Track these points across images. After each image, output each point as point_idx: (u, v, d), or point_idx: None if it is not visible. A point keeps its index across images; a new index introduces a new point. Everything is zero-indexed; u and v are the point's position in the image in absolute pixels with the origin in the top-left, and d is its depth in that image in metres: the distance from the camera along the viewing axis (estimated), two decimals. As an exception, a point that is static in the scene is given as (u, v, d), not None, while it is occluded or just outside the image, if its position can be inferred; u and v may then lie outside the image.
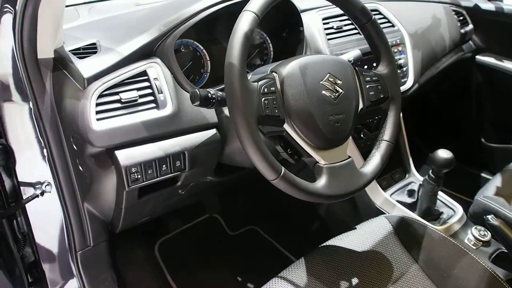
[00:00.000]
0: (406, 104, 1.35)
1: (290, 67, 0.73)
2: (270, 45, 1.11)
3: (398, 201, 1.18)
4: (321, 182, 0.73)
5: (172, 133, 0.84)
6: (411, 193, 1.20)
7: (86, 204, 0.93)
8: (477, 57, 1.71)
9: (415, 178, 1.30)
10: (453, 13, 1.60)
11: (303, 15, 1.08)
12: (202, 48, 0.99)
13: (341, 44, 1.08)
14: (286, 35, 1.09)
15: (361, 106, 0.82)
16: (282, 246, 1.54)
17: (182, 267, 1.43)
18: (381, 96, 0.84)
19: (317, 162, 0.76)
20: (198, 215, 1.60)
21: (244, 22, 0.66)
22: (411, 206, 1.17)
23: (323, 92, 0.74)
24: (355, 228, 0.99)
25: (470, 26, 1.69)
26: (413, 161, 1.35)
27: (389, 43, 0.86)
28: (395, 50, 1.20)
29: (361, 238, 0.95)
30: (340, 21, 1.14)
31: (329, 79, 0.76)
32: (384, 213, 1.17)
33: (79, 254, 0.96)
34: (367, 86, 0.83)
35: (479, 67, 1.72)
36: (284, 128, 0.73)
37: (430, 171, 1.07)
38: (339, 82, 0.77)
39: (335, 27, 1.10)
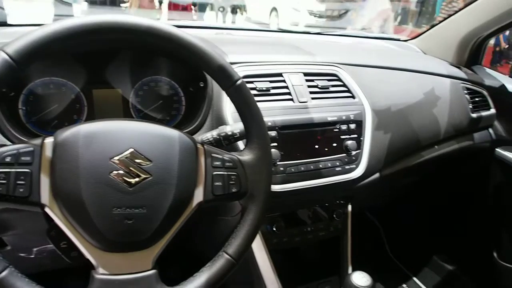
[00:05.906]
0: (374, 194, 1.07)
1: (71, 132, 0.54)
2: (183, 98, 0.93)
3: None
4: None
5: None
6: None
7: None
8: (498, 150, 1.35)
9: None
10: (465, 91, 1.28)
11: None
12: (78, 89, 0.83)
13: (254, 110, 0.85)
14: (193, 90, 0.90)
15: (199, 199, 0.59)
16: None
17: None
18: (233, 190, 0.61)
19: (94, 268, 0.54)
20: None
21: None
22: None
23: (112, 174, 0.53)
24: None
25: (492, 111, 1.34)
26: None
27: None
28: (343, 128, 0.94)
29: None
30: (270, 81, 0.91)
31: (129, 157, 0.54)
32: None
33: None
34: (214, 173, 0.60)
35: (499, 163, 1.35)
36: (47, 212, 0.53)
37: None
38: (147, 163, 0.55)
39: (257, 88, 0.88)
